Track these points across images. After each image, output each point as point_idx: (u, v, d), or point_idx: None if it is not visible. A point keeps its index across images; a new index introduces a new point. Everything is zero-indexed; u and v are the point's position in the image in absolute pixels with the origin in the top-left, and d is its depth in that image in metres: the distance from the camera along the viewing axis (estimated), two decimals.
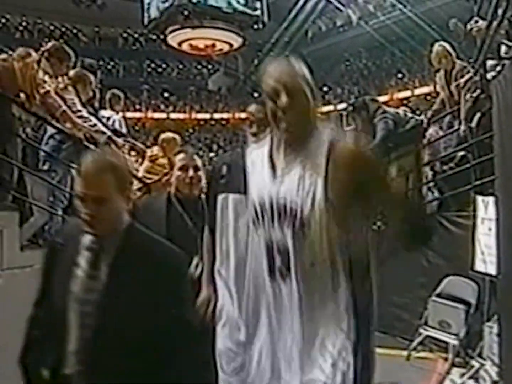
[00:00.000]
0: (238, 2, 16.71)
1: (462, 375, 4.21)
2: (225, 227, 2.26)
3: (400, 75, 20.66)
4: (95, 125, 4.80)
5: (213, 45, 17.75)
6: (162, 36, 18.35)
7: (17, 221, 4.03)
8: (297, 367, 1.84)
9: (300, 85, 1.91)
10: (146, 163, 5.88)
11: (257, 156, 2.04)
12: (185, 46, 17.78)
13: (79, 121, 4.62)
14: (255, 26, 17.65)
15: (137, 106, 23.58)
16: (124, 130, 6.18)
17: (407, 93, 19.73)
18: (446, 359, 4.60)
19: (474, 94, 5.02)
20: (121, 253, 1.73)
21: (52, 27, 21.99)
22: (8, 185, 4.13)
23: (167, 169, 5.45)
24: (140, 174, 5.74)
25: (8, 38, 18.69)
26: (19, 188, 4.25)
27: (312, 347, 1.84)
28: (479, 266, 4.24)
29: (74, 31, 22.47)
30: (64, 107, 4.54)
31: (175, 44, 17.86)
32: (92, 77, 5.35)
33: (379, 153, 4.11)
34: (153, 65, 24.19)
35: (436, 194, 5.76)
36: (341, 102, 20.83)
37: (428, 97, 16.40)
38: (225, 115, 24.92)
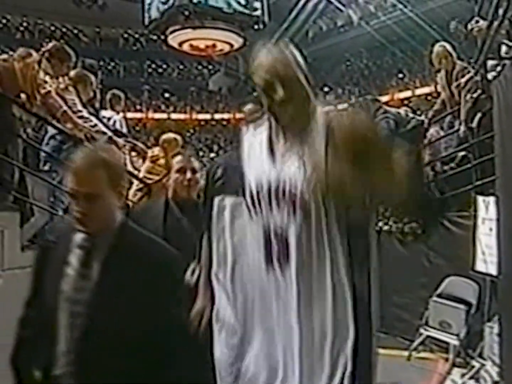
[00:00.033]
0: (238, 3, 16.70)
1: (463, 375, 4.21)
2: (222, 230, 2.19)
3: (401, 75, 20.65)
4: (95, 125, 4.80)
5: (214, 46, 17.74)
6: (162, 37, 18.33)
7: (18, 221, 4.03)
8: (296, 370, 1.80)
9: (294, 74, 1.85)
10: (147, 164, 5.87)
11: (254, 140, 2.00)
12: (185, 47, 17.77)
13: (80, 121, 4.63)
14: (256, 27, 17.63)
15: (138, 107, 23.60)
16: (124, 130, 6.19)
17: (408, 93, 19.72)
18: (446, 359, 4.60)
19: (475, 95, 5.02)
20: (114, 251, 1.69)
21: (53, 28, 22.00)
22: (9, 186, 4.13)
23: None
24: (141, 175, 5.75)
25: (9, 39, 18.75)
26: (20, 189, 4.25)
27: (311, 348, 1.80)
28: (480, 266, 4.24)
29: (75, 31, 22.50)
30: (65, 108, 4.54)
31: (175, 45, 17.85)
32: (92, 78, 5.35)
33: None
34: (153, 66, 24.20)
35: (437, 194, 5.75)
36: (342, 102, 20.84)
37: (429, 97, 16.40)
38: (225, 116, 24.92)
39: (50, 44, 4.86)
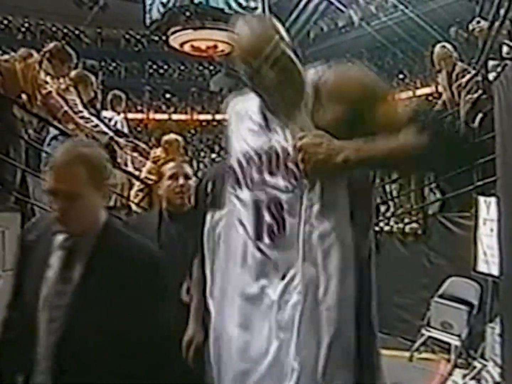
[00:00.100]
0: (239, 4, 16.70)
1: (464, 376, 4.21)
2: (212, 249, 2.11)
3: (401, 76, 20.63)
4: (97, 125, 4.81)
5: (215, 46, 17.71)
6: (164, 38, 18.34)
7: (19, 222, 4.03)
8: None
9: (283, 50, 1.65)
10: (149, 164, 5.88)
11: (243, 108, 1.85)
12: (187, 47, 17.74)
13: (81, 121, 4.64)
14: None
15: (139, 107, 23.56)
16: (125, 131, 6.19)
17: (409, 94, 19.72)
18: (448, 360, 4.60)
19: (475, 95, 5.02)
20: (97, 253, 1.60)
21: (54, 28, 22.00)
22: (11, 186, 4.14)
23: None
24: (142, 175, 5.75)
25: (10, 40, 18.74)
26: (21, 189, 4.25)
27: (309, 350, 1.62)
28: (481, 267, 4.24)
29: (76, 32, 22.48)
30: (66, 108, 4.55)
31: (177, 45, 17.83)
32: (93, 78, 5.36)
33: None
34: (155, 66, 24.17)
35: (438, 195, 5.75)
36: None
37: (430, 98, 16.38)
38: (226, 116, 24.87)
39: (51, 45, 4.87)
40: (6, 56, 4.61)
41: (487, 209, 4.23)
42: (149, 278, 1.61)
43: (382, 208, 6.29)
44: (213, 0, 14.79)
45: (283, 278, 1.66)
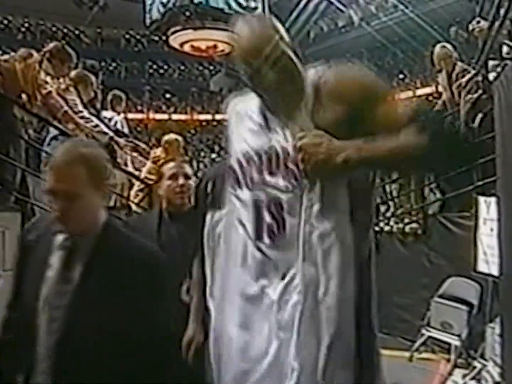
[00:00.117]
0: (239, 4, 16.70)
1: (464, 376, 4.21)
2: (213, 249, 2.11)
3: (401, 76, 20.63)
4: (97, 125, 4.81)
5: (215, 46, 17.71)
6: (164, 38, 18.34)
7: (19, 222, 4.04)
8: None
9: (283, 50, 1.64)
10: (149, 164, 5.88)
11: (243, 108, 1.84)
12: (186, 47, 17.74)
13: (81, 121, 4.64)
14: None
15: (139, 107, 23.56)
16: (125, 131, 6.19)
17: (409, 94, 19.72)
18: (448, 360, 4.60)
19: (475, 95, 5.02)
20: (97, 253, 1.59)
21: (54, 28, 22.00)
22: (11, 186, 4.14)
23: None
24: (142, 175, 5.75)
25: (10, 40, 18.74)
26: (21, 189, 4.25)
27: (309, 350, 1.61)
28: (481, 267, 4.24)
29: (76, 32, 22.49)
30: (66, 108, 4.55)
31: (177, 45, 17.83)
32: (93, 78, 5.36)
33: None
34: (155, 66, 24.17)
35: (438, 195, 5.75)
36: None
37: (430, 98, 16.38)
38: (227, 116, 24.85)
39: (51, 45, 4.87)
40: (6, 56, 4.62)
41: (487, 209, 4.23)
42: (148, 279, 1.60)
43: (382, 208, 6.29)
44: (213, 0, 14.79)
45: (283, 278, 1.66)
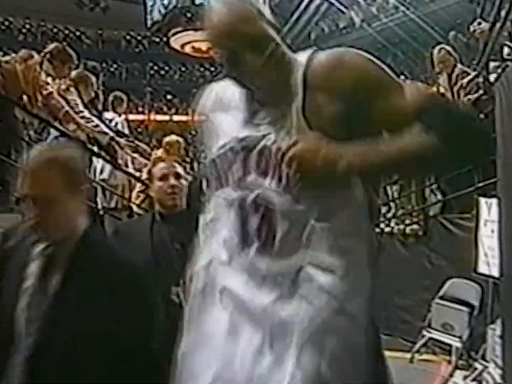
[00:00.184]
0: None
1: (465, 377, 4.20)
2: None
3: (402, 77, 20.63)
4: (97, 125, 4.81)
5: None
6: (165, 39, 18.37)
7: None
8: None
9: (263, 30, 1.40)
10: (150, 166, 5.87)
11: (225, 93, 1.60)
12: (187, 49, 17.77)
13: (82, 121, 4.64)
14: None
15: (140, 109, 23.57)
16: (126, 132, 6.19)
17: None
18: (449, 361, 4.60)
19: (475, 95, 5.02)
20: (76, 261, 1.50)
21: (55, 30, 22.04)
22: (12, 188, 4.14)
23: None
24: (143, 176, 5.74)
25: (12, 41, 18.77)
26: None
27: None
28: (482, 268, 4.24)
29: (77, 33, 22.52)
30: (67, 108, 4.55)
31: (177, 47, 17.86)
32: (93, 78, 5.37)
33: None
34: (156, 68, 24.19)
35: (439, 196, 5.75)
36: None
37: None
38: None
39: (52, 46, 4.88)
40: (7, 57, 4.63)
41: (488, 210, 4.23)
42: (127, 288, 1.52)
43: (383, 209, 6.29)
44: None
45: (275, 285, 1.45)
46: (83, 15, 21.02)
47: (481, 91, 5.07)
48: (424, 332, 4.84)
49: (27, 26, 21.53)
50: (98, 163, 5.34)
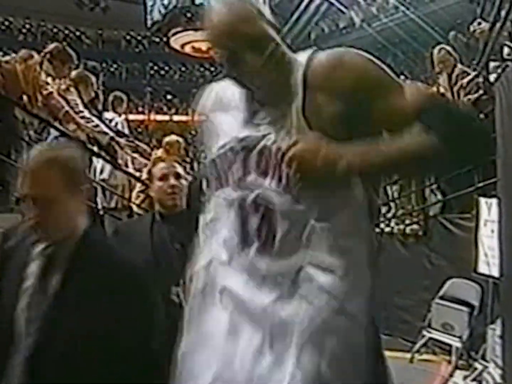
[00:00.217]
0: None
1: (465, 377, 4.20)
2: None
3: (402, 77, 20.63)
4: (97, 125, 4.81)
5: None
6: (165, 39, 18.38)
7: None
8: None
9: (263, 29, 1.41)
10: (150, 166, 5.87)
11: (225, 93, 1.61)
12: (187, 49, 17.78)
13: (82, 121, 4.64)
14: None
15: (140, 109, 23.57)
16: (126, 132, 6.20)
17: None
18: (449, 361, 4.60)
19: (475, 95, 5.03)
20: (76, 261, 1.50)
21: (55, 30, 22.05)
22: (12, 188, 4.14)
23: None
24: (143, 176, 5.74)
25: (12, 41, 18.78)
26: None
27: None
28: (482, 268, 4.24)
29: (77, 33, 22.52)
30: (67, 108, 4.55)
31: (177, 47, 17.87)
32: (93, 78, 5.37)
33: None
34: (156, 68, 24.19)
35: (439, 196, 5.75)
36: None
37: None
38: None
39: (52, 46, 4.88)
40: (7, 57, 4.63)
41: (488, 210, 4.23)
42: (127, 288, 1.52)
43: (383, 209, 6.29)
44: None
45: (275, 285, 1.45)
46: (83, 15, 21.03)
47: (481, 91, 5.07)
48: (424, 332, 4.84)
49: (27, 26, 21.53)
50: (98, 163, 5.34)
